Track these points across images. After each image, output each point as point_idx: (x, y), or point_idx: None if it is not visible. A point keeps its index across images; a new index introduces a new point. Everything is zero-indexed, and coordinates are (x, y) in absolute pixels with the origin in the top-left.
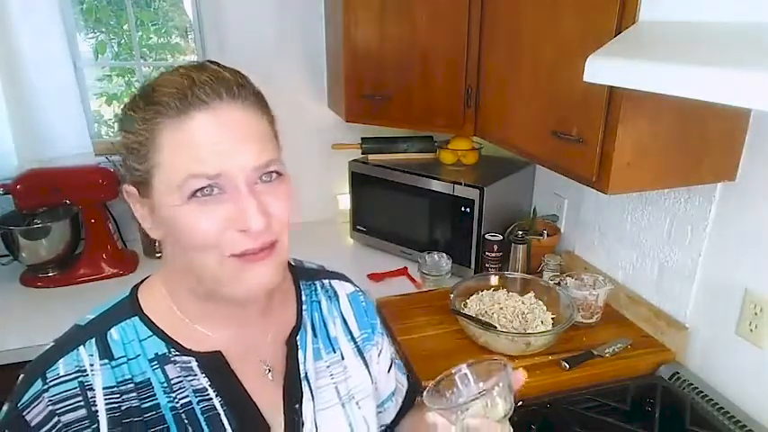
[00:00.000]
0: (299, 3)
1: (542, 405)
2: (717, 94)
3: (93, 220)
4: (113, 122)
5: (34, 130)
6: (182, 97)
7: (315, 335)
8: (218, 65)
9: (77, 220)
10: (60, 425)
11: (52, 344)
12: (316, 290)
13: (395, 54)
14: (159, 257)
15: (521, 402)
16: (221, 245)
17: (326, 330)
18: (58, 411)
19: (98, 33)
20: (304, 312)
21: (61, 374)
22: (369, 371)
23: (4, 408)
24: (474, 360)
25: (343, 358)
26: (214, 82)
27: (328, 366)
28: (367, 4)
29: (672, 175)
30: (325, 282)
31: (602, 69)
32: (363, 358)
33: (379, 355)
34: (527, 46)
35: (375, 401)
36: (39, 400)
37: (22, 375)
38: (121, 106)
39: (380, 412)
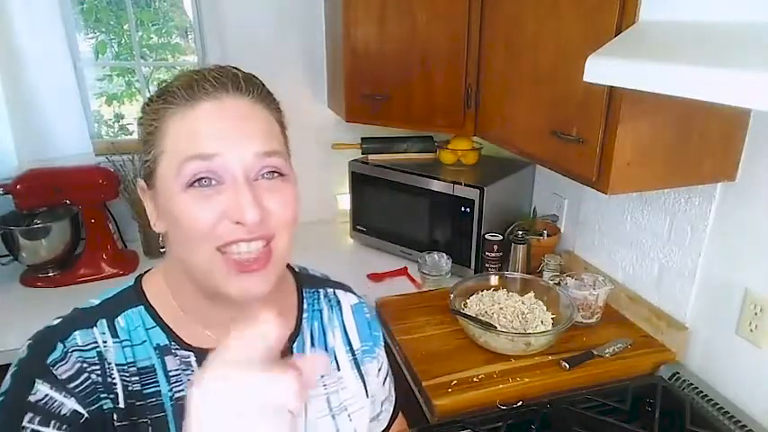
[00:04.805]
0: (299, 3)
1: (542, 405)
2: (717, 94)
3: (93, 220)
4: (113, 122)
5: (34, 131)
6: (189, 88)
7: (312, 344)
8: (234, 67)
9: (77, 220)
10: (90, 381)
11: (57, 320)
12: (318, 298)
13: (395, 54)
14: (164, 251)
15: (521, 402)
16: (216, 236)
17: (325, 340)
18: (87, 369)
19: (98, 33)
20: (304, 320)
21: (80, 344)
22: (364, 384)
23: (23, 366)
24: None
25: (338, 369)
26: (222, 76)
27: (322, 376)
28: (367, 3)
29: (672, 175)
30: (329, 291)
31: (602, 69)
32: (360, 371)
33: (379, 370)
34: (527, 46)
35: (370, 415)
36: (66, 358)
37: (29, 344)
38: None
39: (375, 421)
